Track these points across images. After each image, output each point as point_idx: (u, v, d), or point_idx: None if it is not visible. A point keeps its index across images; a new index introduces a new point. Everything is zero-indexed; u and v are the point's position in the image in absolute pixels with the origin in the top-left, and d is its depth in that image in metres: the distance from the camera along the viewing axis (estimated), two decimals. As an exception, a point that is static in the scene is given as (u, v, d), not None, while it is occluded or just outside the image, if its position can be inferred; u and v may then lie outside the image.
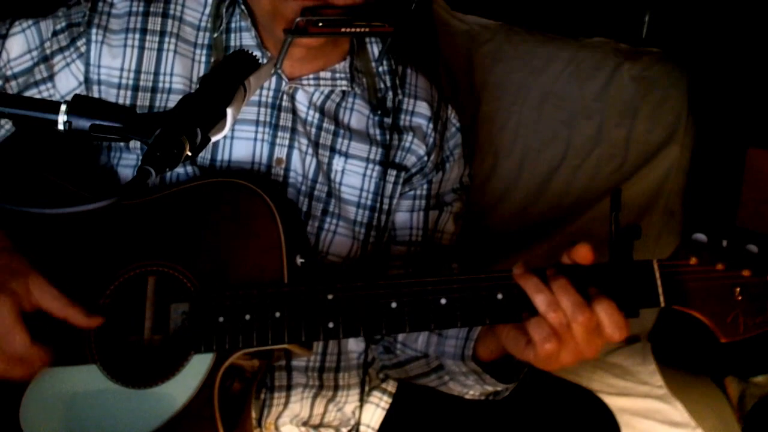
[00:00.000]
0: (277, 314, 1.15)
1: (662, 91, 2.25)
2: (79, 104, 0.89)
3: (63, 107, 0.89)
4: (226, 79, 0.97)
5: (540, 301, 1.07)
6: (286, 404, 1.36)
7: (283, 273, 1.19)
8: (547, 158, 2.24)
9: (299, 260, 1.22)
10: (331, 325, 1.14)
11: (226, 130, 0.95)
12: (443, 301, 1.13)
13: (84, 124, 0.89)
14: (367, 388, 1.45)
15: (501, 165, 2.24)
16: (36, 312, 1.14)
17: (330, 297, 1.14)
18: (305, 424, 1.40)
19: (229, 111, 0.94)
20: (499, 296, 1.12)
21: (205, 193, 1.25)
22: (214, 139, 0.93)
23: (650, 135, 2.24)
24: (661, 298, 1.09)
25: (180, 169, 1.31)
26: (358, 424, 1.43)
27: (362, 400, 1.43)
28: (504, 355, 1.21)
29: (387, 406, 1.47)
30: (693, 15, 2.32)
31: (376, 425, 1.45)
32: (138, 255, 1.23)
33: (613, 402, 1.50)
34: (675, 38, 2.35)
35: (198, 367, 1.18)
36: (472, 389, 1.33)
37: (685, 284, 1.09)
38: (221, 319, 1.17)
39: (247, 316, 1.16)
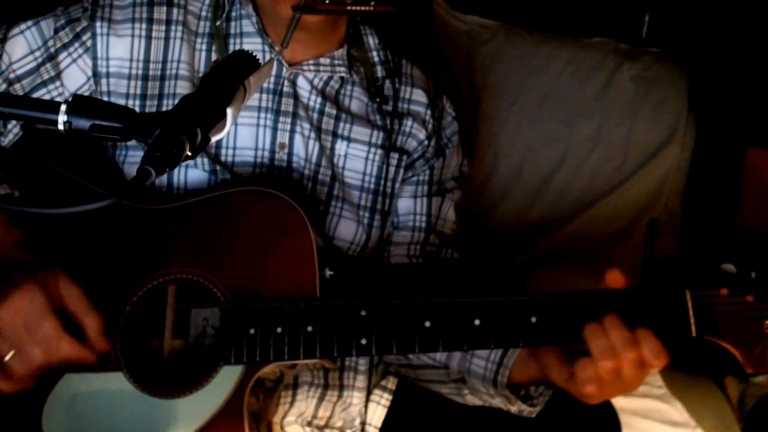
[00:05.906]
0: (310, 328, 1.14)
1: (662, 91, 2.25)
2: (79, 104, 0.89)
3: (63, 107, 0.89)
4: (226, 78, 0.98)
5: (596, 346, 1.08)
6: (292, 402, 1.36)
7: (315, 286, 1.18)
8: (547, 158, 2.24)
9: (328, 272, 1.21)
10: (363, 341, 1.14)
11: (226, 130, 0.95)
12: (477, 322, 1.13)
13: (84, 124, 0.89)
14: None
15: (501, 165, 2.24)
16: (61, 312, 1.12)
17: (363, 313, 1.14)
18: (309, 424, 1.40)
19: (229, 111, 0.94)
20: (533, 320, 1.12)
21: (237, 201, 1.23)
22: (214, 139, 0.93)
23: (650, 135, 2.24)
24: (693, 328, 1.10)
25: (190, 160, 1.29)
26: (363, 423, 1.43)
27: (367, 399, 1.43)
28: (539, 380, 1.21)
29: (388, 404, 1.47)
30: (693, 15, 2.32)
31: (378, 423, 1.45)
32: (167, 262, 1.20)
33: (612, 401, 1.50)
34: (675, 38, 2.36)
35: (227, 378, 1.17)
36: (494, 406, 1.33)
37: (716, 315, 1.10)
38: (252, 330, 1.15)
39: (279, 329, 1.15)
